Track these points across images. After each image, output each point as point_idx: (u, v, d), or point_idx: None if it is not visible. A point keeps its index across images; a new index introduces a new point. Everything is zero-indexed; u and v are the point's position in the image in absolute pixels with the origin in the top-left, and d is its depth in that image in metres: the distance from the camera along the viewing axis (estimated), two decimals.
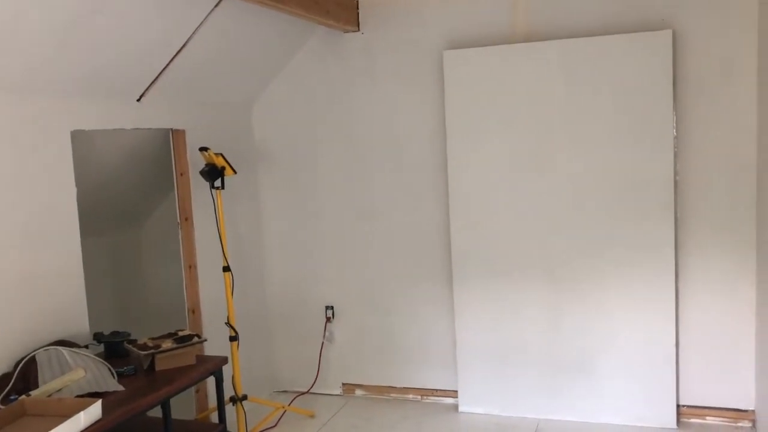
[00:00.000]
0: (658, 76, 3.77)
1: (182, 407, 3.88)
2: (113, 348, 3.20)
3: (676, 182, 3.87)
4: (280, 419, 4.32)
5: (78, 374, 2.71)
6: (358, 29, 4.40)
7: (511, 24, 4.09)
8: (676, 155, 3.86)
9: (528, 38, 4.05)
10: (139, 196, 4.45)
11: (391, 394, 4.65)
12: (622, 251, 3.94)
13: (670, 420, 3.95)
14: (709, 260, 3.88)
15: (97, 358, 2.93)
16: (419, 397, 4.58)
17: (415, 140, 4.38)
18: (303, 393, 4.78)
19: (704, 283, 3.90)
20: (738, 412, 3.92)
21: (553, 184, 4.03)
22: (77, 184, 3.23)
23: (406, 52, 4.33)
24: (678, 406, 3.99)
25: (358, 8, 4.38)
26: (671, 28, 3.77)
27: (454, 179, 4.22)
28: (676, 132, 3.85)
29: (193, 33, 3.50)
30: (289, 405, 4.48)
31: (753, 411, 3.89)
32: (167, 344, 3.10)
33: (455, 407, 4.41)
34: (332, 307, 4.71)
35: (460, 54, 4.13)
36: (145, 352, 3.02)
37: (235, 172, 3.92)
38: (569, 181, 4.00)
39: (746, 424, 3.91)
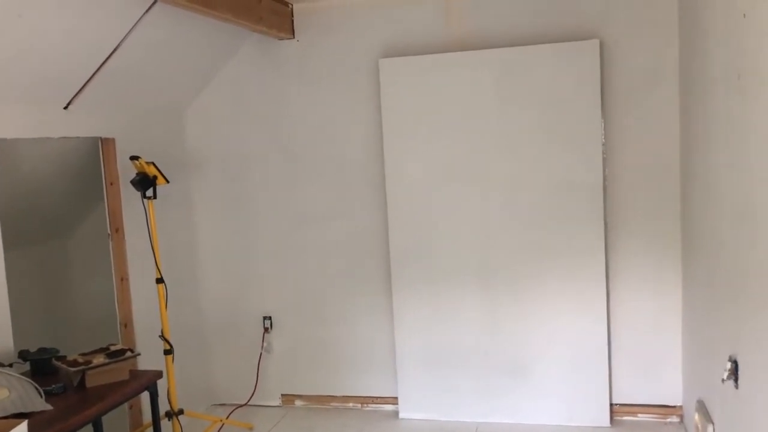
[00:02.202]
0: (587, 84, 3.89)
1: (115, 424, 3.77)
2: (40, 366, 3.08)
3: (605, 187, 3.99)
4: None
5: (1, 394, 2.59)
6: (293, 37, 4.38)
7: (445, 33, 4.15)
8: (604, 161, 3.98)
9: (462, 47, 4.12)
10: (67, 206, 4.30)
11: (332, 404, 4.62)
12: (555, 256, 4.04)
13: (604, 418, 4.07)
14: (638, 262, 4.01)
15: (21, 376, 2.80)
16: (360, 405, 4.57)
17: (351, 147, 4.39)
18: (241, 405, 4.71)
19: (633, 284, 4.04)
20: (667, 408, 4.07)
21: (487, 191, 4.10)
22: None
23: (342, 60, 4.34)
24: (611, 404, 4.10)
25: (292, 16, 4.36)
26: (599, 38, 3.90)
27: (391, 186, 4.24)
28: (605, 139, 3.98)
29: (123, 39, 3.41)
30: (227, 418, 4.39)
31: (680, 406, 4.04)
32: (98, 360, 3.01)
33: (396, 414, 4.42)
34: (270, 317, 4.65)
35: (395, 62, 4.16)
36: (75, 369, 2.91)
37: (167, 182, 3.84)
38: (503, 187, 4.08)
39: (675, 419, 4.05)
